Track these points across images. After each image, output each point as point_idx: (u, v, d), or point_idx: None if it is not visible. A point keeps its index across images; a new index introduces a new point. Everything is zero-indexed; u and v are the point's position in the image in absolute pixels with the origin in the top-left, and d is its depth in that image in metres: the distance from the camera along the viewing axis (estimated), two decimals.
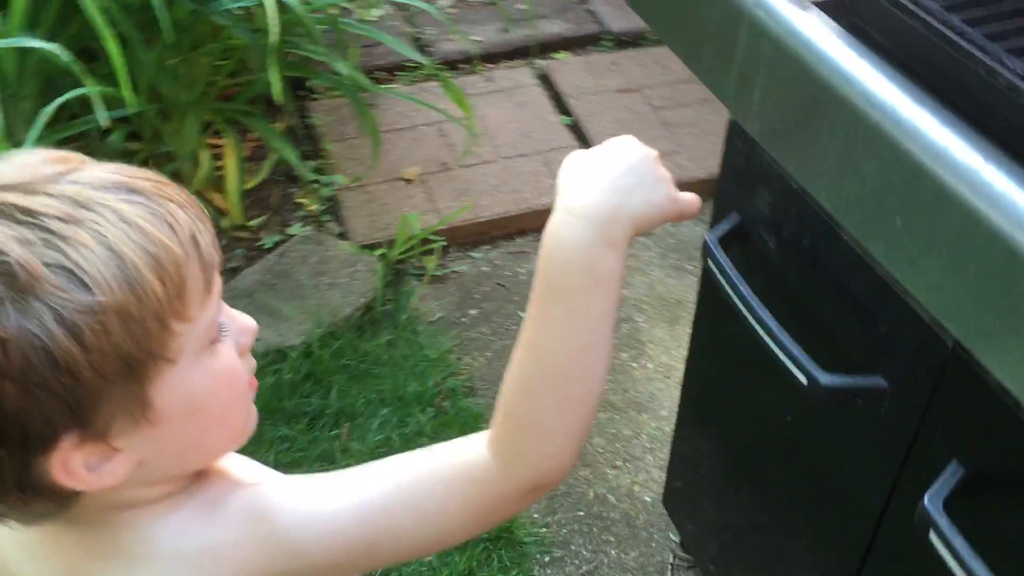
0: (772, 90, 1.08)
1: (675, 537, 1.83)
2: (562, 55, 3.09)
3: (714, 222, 1.29)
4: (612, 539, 1.86)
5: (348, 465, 1.94)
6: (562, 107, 2.88)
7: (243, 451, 0.75)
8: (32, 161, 0.61)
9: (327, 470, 1.94)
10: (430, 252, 2.41)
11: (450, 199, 2.52)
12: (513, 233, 2.51)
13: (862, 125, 0.94)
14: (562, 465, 0.67)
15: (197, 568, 0.67)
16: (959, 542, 0.89)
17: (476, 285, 2.38)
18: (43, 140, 1.84)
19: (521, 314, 2.27)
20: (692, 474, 1.66)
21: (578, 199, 0.65)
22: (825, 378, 1.04)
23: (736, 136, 1.22)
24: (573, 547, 1.84)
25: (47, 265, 0.56)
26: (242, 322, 0.70)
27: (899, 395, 1.02)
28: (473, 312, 2.31)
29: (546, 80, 2.99)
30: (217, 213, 2.44)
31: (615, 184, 0.66)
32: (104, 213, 0.59)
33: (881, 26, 1.00)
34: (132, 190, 0.61)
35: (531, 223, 2.51)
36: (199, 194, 2.42)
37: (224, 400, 0.67)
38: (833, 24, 1.02)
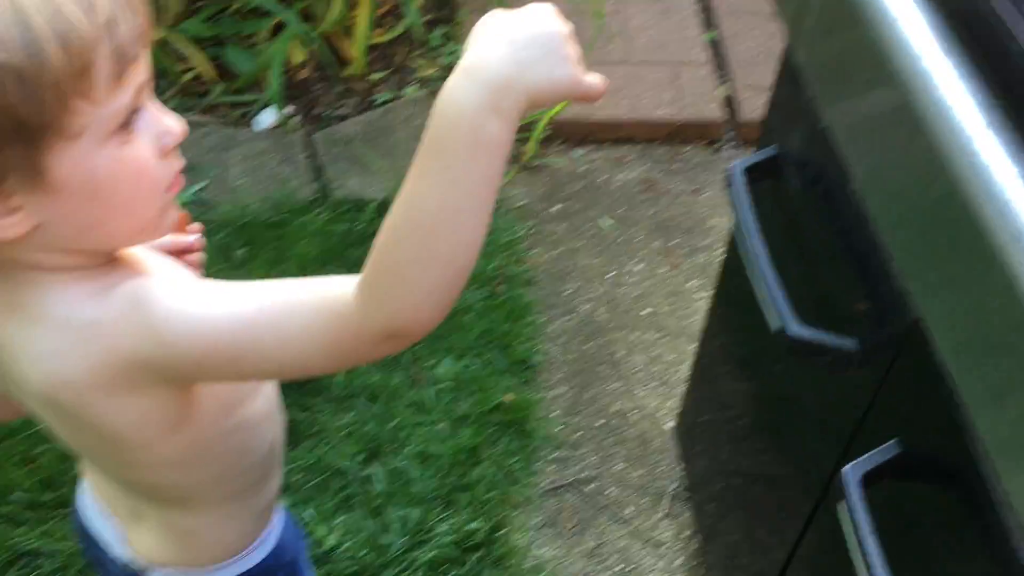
0: (824, 16, 1.02)
1: (681, 470, 1.82)
2: None
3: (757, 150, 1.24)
4: (622, 454, 1.86)
5: None
6: (711, 22, 2.76)
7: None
8: None
9: None
10: (531, 140, 2.40)
11: None
12: (621, 139, 2.46)
13: (885, 67, 0.87)
14: (418, 319, 0.68)
15: (81, 340, 0.72)
16: (864, 520, 0.86)
17: (567, 182, 2.36)
18: None
19: (606, 221, 2.25)
20: (704, 411, 1.64)
21: (477, 61, 0.64)
22: (795, 328, 1.00)
23: (788, 65, 1.15)
24: (581, 451, 1.86)
25: None
26: (167, 124, 0.73)
27: (864, 362, 0.97)
28: (556, 207, 2.30)
29: None
30: (340, 61, 2.50)
31: (518, 54, 0.64)
32: None
33: None
34: None
35: (641, 133, 2.46)
36: (326, 37, 2.49)
37: (129, 189, 0.71)
38: None
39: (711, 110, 2.48)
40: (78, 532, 1.03)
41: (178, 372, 0.73)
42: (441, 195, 0.64)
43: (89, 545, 1.01)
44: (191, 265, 0.91)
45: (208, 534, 0.92)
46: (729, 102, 2.52)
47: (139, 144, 0.71)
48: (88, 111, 0.66)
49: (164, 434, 0.78)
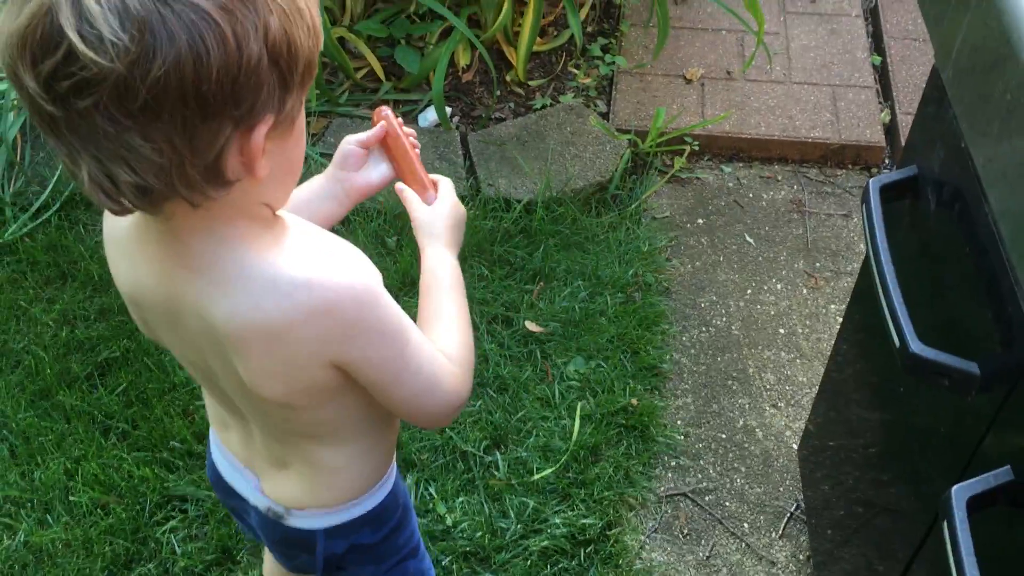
0: (972, 35, 1.01)
1: (803, 492, 1.80)
2: None
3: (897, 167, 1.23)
4: (743, 470, 1.86)
5: (528, 318, 2.06)
6: (879, 46, 2.70)
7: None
8: None
9: (509, 316, 2.09)
10: (681, 153, 2.42)
11: (721, 108, 2.50)
12: (772, 158, 2.45)
13: None
14: None
15: (280, 295, 0.80)
16: (965, 541, 0.85)
17: (714, 197, 2.37)
18: None
19: (748, 238, 2.25)
20: (830, 435, 1.62)
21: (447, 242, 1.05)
22: (916, 346, 0.99)
23: (933, 84, 1.14)
24: (702, 462, 1.87)
25: None
26: None
27: (985, 387, 0.96)
28: (700, 221, 2.31)
29: (874, 14, 2.81)
30: (503, 65, 2.59)
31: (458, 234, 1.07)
32: None
33: None
34: None
35: (792, 152, 2.44)
36: (492, 42, 2.59)
37: (303, 143, 0.82)
38: None
39: (871, 134, 2.43)
40: (215, 484, 1.13)
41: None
42: (466, 306, 1.01)
43: (227, 495, 1.11)
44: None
45: (350, 469, 1.02)
46: (890, 127, 2.46)
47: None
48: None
49: (338, 372, 0.87)
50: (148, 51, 0.64)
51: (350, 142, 1.06)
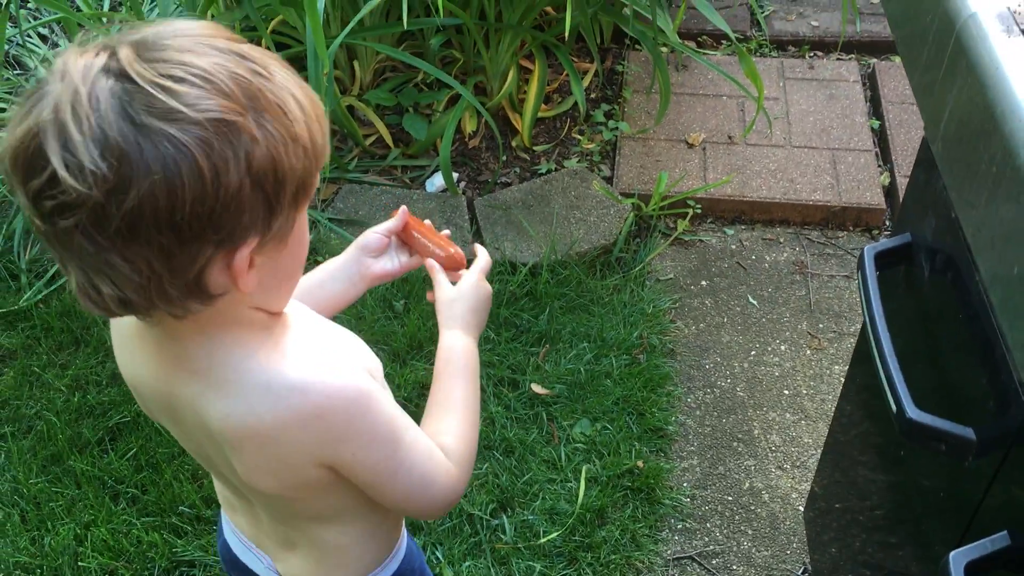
0: (958, 108, 1.05)
1: (810, 555, 1.79)
2: (898, 59, 2.93)
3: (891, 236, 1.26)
4: (750, 532, 1.86)
5: (534, 380, 2.08)
6: (877, 111, 2.75)
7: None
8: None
9: (515, 379, 2.10)
10: (684, 216, 2.46)
11: (723, 171, 2.54)
12: (774, 220, 2.49)
13: (1011, 163, 0.90)
14: None
15: (273, 398, 0.81)
16: None
17: (717, 259, 2.40)
18: (356, 33, 2.11)
19: (752, 300, 2.28)
20: (835, 498, 1.62)
21: (463, 327, 1.06)
22: (913, 411, 1.01)
23: (924, 153, 1.17)
24: (709, 525, 1.87)
25: (271, 94, 0.72)
26: None
27: (982, 452, 0.97)
28: (704, 283, 2.34)
29: (872, 80, 2.87)
30: (508, 131, 2.65)
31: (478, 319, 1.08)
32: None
33: None
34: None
35: (794, 215, 2.47)
36: (498, 109, 2.65)
37: (304, 248, 0.83)
38: None
39: (871, 196, 2.47)
40: (228, 562, 1.14)
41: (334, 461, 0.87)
42: (476, 393, 1.02)
43: (242, 573, 1.12)
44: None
45: (358, 547, 1.02)
46: (890, 190, 2.50)
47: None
48: (314, 183, 0.79)
49: (331, 471, 0.89)
50: (124, 180, 0.66)
51: (374, 231, 1.10)
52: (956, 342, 1.08)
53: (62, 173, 0.66)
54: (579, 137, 2.66)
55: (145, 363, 0.87)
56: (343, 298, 1.08)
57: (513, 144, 2.64)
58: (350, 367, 0.85)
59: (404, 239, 1.12)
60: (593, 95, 2.80)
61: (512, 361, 2.10)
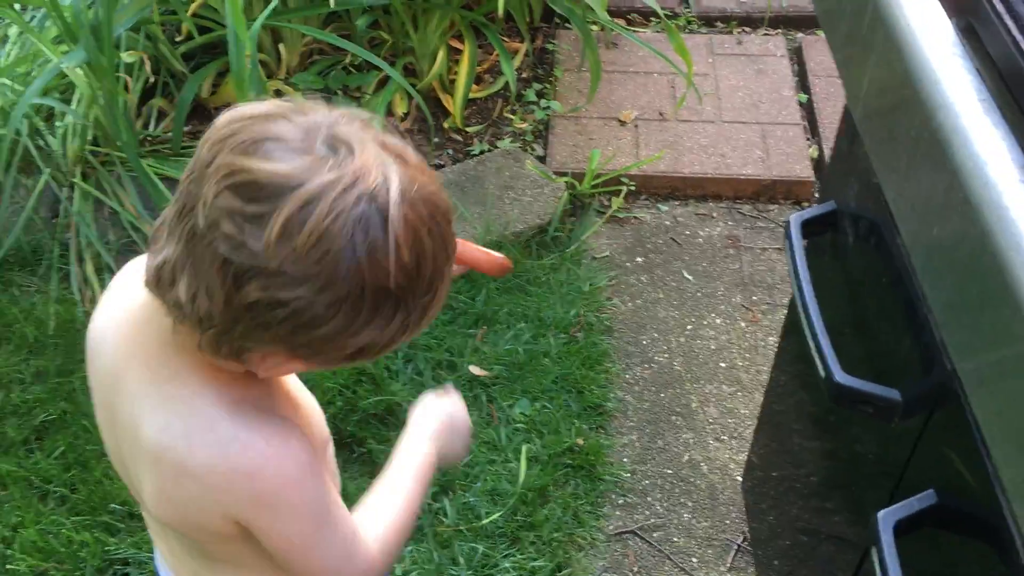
0: (877, 77, 1.06)
1: (749, 524, 1.82)
2: (822, 33, 2.96)
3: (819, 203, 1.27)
4: (690, 504, 1.87)
5: (472, 362, 2.05)
6: (805, 85, 2.79)
7: None
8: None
9: (455, 360, 2.07)
10: (618, 193, 2.46)
11: (655, 148, 2.55)
12: (707, 195, 2.50)
13: (928, 127, 0.91)
14: None
15: (214, 447, 0.80)
16: (893, 566, 0.87)
17: (652, 235, 2.41)
18: (281, 15, 2.07)
19: (686, 275, 2.29)
20: (772, 466, 1.64)
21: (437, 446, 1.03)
22: (840, 376, 1.02)
23: (846, 122, 1.19)
24: (649, 499, 1.88)
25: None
26: None
27: (908, 412, 0.99)
28: (639, 259, 2.35)
29: (798, 54, 2.90)
30: (440, 113, 2.62)
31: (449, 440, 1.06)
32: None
33: (990, 35, 0.94)
34: None
35: (726, 190, 2.49)
36: (429, 91, 2.62)
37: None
38: (945, 21, 0.98)
39: (800, 169, 2.50)
40: None
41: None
42: (422, 496, 0.99)
43: None
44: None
45: None
46: (818, 162, 2.54)
47: None
48: None
49: (238, 526, 0.86)
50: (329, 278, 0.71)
51: None
52: (881, 306, 1.09)
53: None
54: (511, 117, 2.64)
55: (122, 334, 0.86)
56: None
57: (445, 126, 2.62)
58: (299, 440, 0.83)
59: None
60: (524, 75, 2.79)
61: (450, 344, 2.09)
